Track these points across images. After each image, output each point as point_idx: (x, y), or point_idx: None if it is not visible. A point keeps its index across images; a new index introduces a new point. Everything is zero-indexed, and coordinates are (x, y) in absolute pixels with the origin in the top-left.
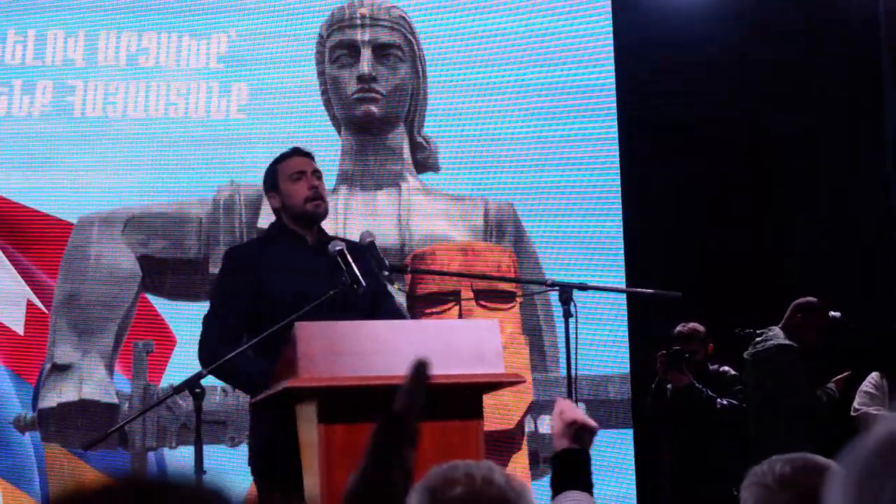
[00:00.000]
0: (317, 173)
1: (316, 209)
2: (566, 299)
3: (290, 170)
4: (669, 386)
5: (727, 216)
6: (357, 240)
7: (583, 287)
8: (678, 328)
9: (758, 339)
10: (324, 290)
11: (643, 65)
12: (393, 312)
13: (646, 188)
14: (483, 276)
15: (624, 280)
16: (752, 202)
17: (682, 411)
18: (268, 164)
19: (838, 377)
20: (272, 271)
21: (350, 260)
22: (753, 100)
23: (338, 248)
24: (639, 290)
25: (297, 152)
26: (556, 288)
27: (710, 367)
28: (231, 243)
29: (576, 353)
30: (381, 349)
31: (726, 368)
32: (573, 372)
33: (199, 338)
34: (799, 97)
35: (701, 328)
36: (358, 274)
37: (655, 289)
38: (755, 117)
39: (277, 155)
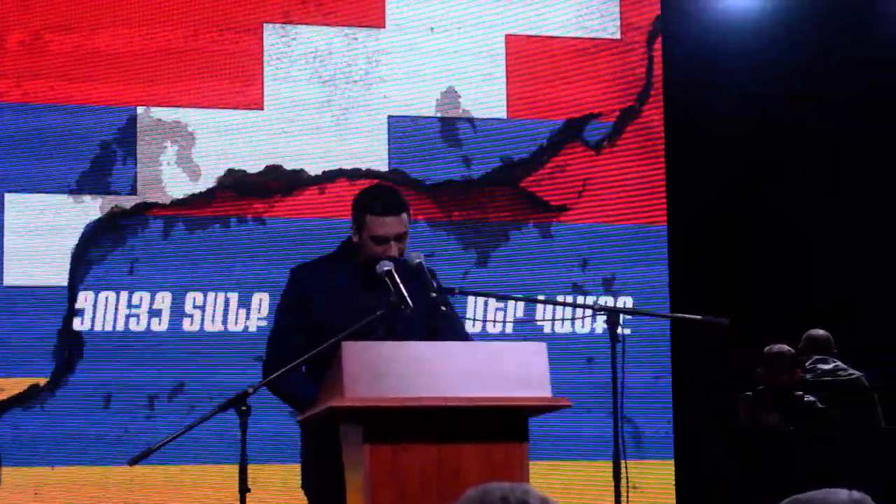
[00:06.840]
0: (400, 237)
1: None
2: (613, 323)
3: (376, 229)
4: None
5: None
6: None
7: (629, 311)
8: (767, 348)
9: None
10: (377, 321)
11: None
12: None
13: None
14: (529, 299)
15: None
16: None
17: (772, 457)
18: (359, 197)
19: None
20: (330, 299)
21: (398, 280)
22: (789, 111)
23: (385, 268)
24: (685, 315)
25: (390, 211)
26: (603, 312)
27: (797, 395)
28: None
29: (622, 378)
30: (427, 370)
31: (812, 399)
32: (619, 399)
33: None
34: (831, 107)
35: (788, 349)
36: (405, 295)
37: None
38: (792, 128)
39: (372, 190)
